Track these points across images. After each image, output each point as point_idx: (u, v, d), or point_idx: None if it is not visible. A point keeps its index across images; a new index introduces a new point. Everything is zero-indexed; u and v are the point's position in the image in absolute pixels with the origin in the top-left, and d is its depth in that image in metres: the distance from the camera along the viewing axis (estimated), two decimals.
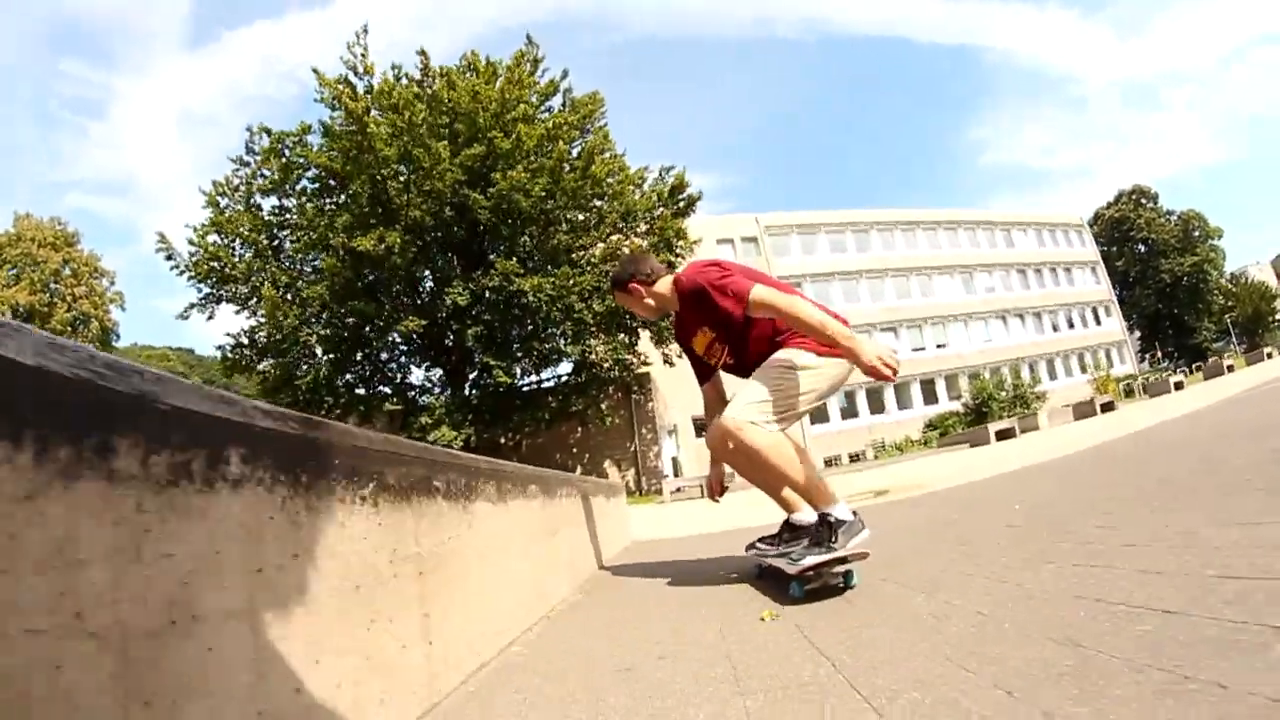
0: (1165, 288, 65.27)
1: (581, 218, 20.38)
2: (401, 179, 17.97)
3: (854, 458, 33.39)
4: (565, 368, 21.76)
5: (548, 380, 22.41)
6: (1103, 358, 47.08)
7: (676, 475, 23.83)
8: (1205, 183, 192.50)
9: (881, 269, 39.49)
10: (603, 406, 20.96)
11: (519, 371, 21.10)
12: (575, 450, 22.58)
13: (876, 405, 36.58)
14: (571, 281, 18.21)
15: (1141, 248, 67.00)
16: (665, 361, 20.37)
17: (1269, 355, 22.73)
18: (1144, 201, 69.12)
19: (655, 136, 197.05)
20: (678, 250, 19.99)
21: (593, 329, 19.62)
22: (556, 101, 20.83)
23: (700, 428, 30.66)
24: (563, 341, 19.97)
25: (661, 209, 20.60)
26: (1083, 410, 16.94)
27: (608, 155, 20.24)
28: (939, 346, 39.11)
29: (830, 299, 37.79)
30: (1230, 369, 20.59)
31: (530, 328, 19.72)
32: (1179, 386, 18.76)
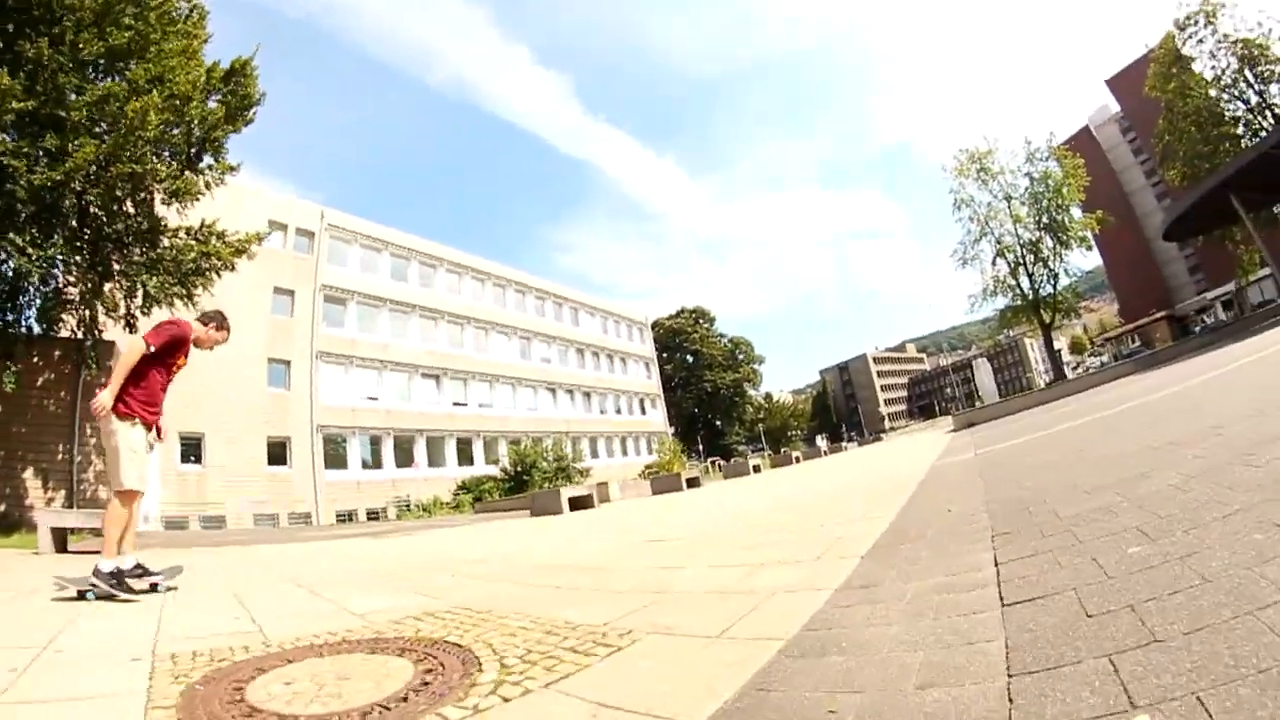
0: (705, 395, 75.13)
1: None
2: None
3: (373, 515, 28.50)
4: None
5: None
6: (644, 444, 50.55)
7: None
8: (749, 325, 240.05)
9: (439, 310, 36.23)
10: (14, 368, 13.33)
11: None
12: None
13: (404, 458, 32.45)
14: None
15: (690, 358, 76.50)
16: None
17: (796, 459, 25.93)
18: (701, 321, 79.70)
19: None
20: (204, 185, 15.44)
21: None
22: None
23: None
24: None
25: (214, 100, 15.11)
26: (669, 483, 17.41)
27: None
28: (482, 405, 36.84)
29: (375, 326, 33.18)
30: (756, 469, 22.74)
31: None
32: (757, 469, 21.81)
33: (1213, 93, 32.36)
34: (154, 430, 4.44)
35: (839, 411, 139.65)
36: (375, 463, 31.44)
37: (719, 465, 36.65)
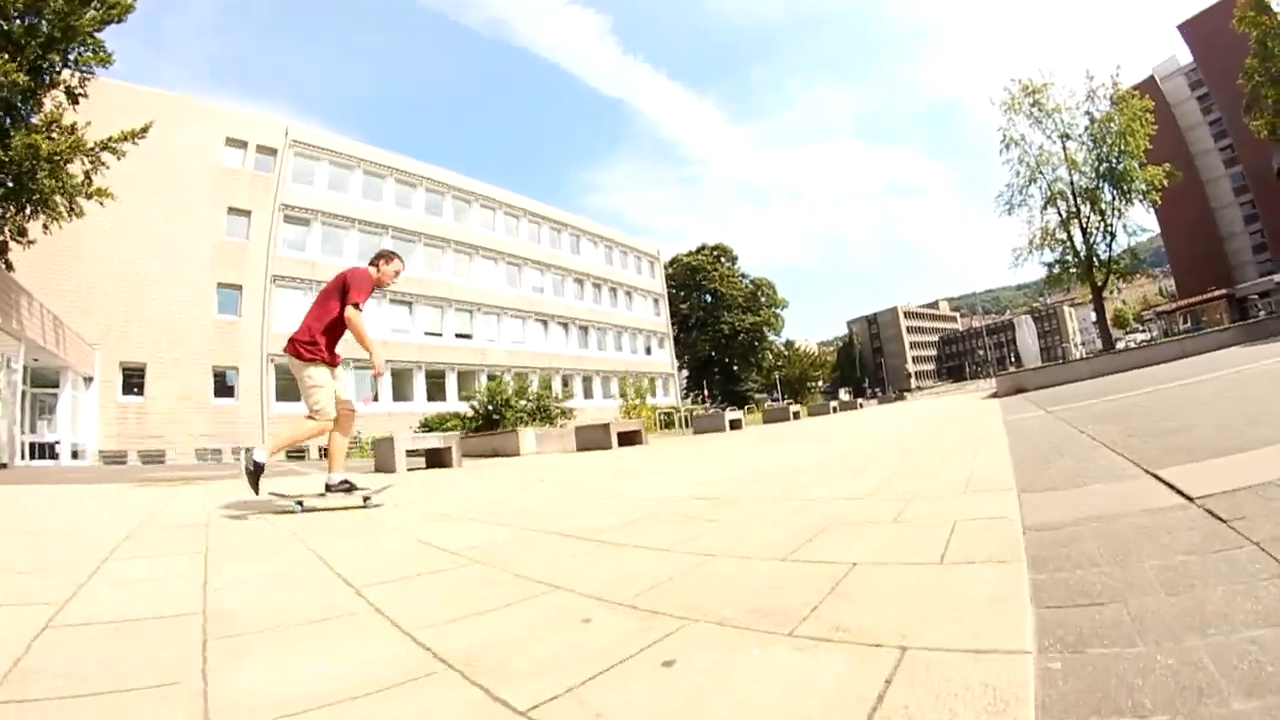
0: (723, 338, 71.88)
1: None
2: None
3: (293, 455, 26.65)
4: None
5: None
6: (646, 384, 48.01)
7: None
8: (779, 274, 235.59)
9: (415, 232, 33.62)
10: None
11: None
12: None
13: (366, 390, 30.36)
14: None
15: (709, 298, 73.10)
16: None
17: (834, 409, 25.16)
18: (722, 259, 75.99)
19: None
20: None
21: None
22: None
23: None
24: None
25: None
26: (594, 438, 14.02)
27: None
28: (459, 336, 34.38)
29: (342, 249, 30.63)
30: (735, 424, 20.54)
31: None
32: (735, 425, 18.58)
33: None
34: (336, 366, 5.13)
35: (864, 366, 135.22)
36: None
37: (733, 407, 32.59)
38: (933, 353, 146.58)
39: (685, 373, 74.89)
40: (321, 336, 4.86)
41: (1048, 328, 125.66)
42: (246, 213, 28.08)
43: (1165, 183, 31.37)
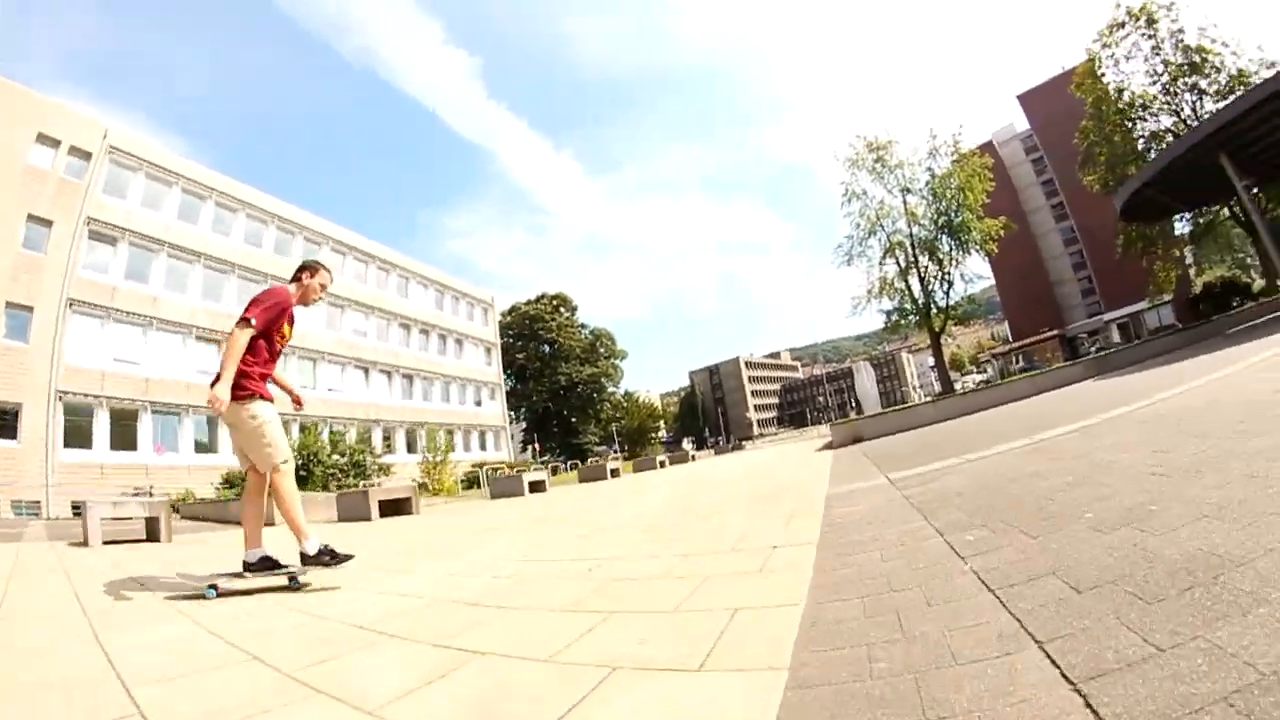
0: (561, 389, 72.50)
1: None
2: None
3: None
4: None
5: None
6: (477, 439, 47.41)
7: None
8: (623, 327, 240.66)
9: (230, 262, 31.85)
10: None
11: None
12: None
13: (168, 439, 28.07)
14: None
15: (547, 348, 73.79)
16: None
17: (661, 464, 24.19)
18: (562, 309, 77.09)
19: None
20: None
21: None
22: None
23: None
24: None
25: None
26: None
27: None
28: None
29: (149, 274, 28.63)
30: (615, 472, 20.80)
31: None
32: (536, 487, 16.51)
33: (1152, 91, 31.66)
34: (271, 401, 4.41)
35: (706, 415, 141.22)
36: (127, 442, 27.03)
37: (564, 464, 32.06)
38: (775, 400, 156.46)
39: (522, 425, 74.83)
40: (251, 368, 4.19)
41: (887, 373, 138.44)
42: (49, 223, 25.19)
43: (1002, 233, 33.59)
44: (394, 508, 11.73)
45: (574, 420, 74.36)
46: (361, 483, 22.95)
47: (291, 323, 4.59)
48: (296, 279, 4.66)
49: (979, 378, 70.50)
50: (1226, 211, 30.86)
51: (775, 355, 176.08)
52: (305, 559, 4.20)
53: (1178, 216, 32.85)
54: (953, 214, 32.91)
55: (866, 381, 50.51)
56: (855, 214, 34.95)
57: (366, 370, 38.38)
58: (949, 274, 33.85)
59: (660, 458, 26.98)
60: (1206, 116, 25.57)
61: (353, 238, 40.25)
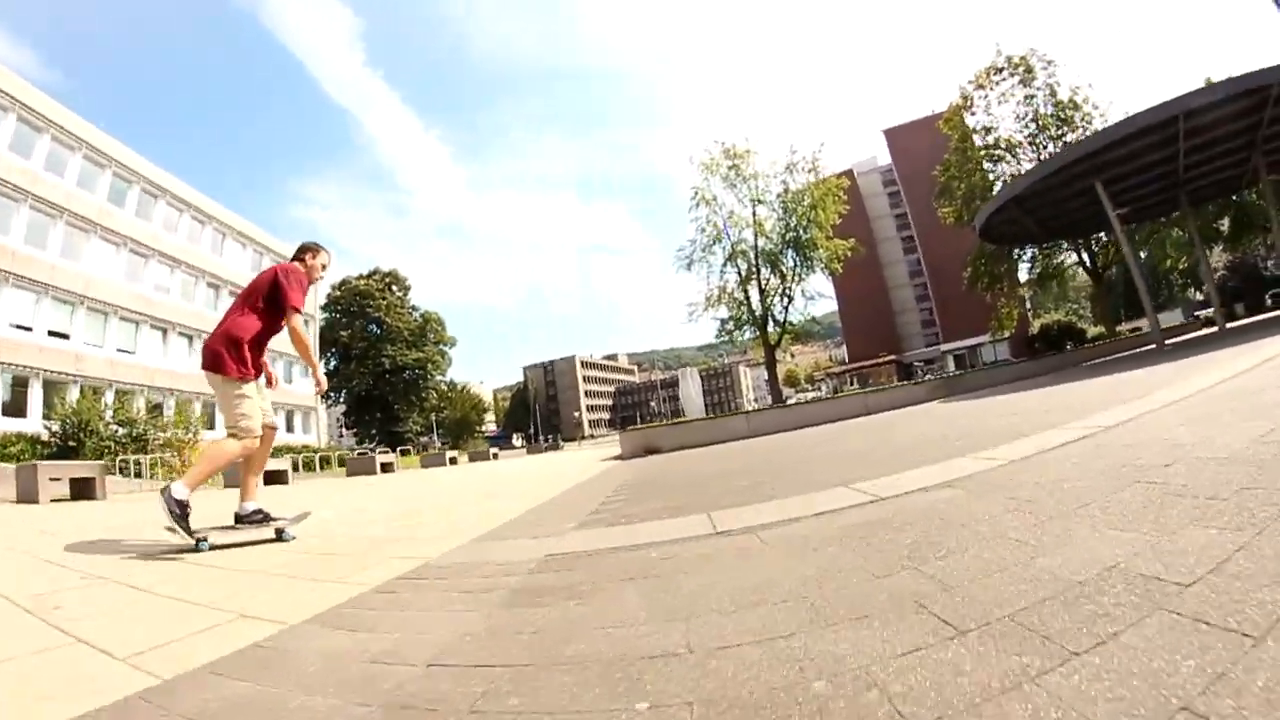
0: (385, 372, 68.37)
1: None
2: None
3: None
4: None
5: None
6: (280, 419, 43.35)
7: None
8: (473, 314, 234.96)
9: (23, 190, 26.29)
10: None
11: None
12: None
13: None
14: None
15: (375, 328, 69.68)
16: None
17: (494, 456, 24.73)
18: (394, 287, 73.07)
19: None
20: None
21: None
22: None
23: None
24: None
25: None
26: None
27: None
28: (52, 335, 26.92)
29: None
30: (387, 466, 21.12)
31: None
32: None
33: (1018, 137, 34.08)
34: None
35: (540, 411, 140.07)
36: None
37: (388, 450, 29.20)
38: (610, 402, 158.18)
39: (343, 408, 70.17)
40: (250, 348, 4.20)
41: (723, 384, 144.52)
42: None
43: (849, 254, 33.53)
44: (80, 490, 10.20)
45: (396, 406, 70.30)
46: (144, 458, 20.44)
47: None
48: (299, 259, 4.70)
49: (813, 394, 74.94)
50: (1074, 257, 34.47)
51: (613, 357, 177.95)
52: (238, 518, 4.30)
53: (1025, 257, 36.21)
54: (801, 230, 33.20)
55: (691, 388, 49.70)
56: (702, 219, 34.46)
57: (165, 331, 33.60)
58: (790, 289, 34.06)
59: (450, 453, 27.08)
60: (1083, 138, 25.74)
61: (169, 180, 35.05)
